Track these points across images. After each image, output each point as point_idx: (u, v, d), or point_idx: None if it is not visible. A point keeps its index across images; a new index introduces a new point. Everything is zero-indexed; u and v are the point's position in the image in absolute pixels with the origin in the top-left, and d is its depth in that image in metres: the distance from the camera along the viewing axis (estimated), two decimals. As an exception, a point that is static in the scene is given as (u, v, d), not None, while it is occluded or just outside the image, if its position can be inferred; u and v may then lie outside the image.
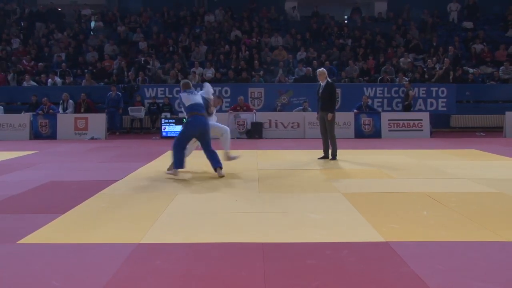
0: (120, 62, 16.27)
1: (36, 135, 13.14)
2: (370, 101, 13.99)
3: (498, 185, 5.89)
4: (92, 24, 20.20)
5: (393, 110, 14.50)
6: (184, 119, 7.08)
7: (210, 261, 3.29)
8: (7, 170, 7.27)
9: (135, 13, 19.89)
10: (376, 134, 12.98)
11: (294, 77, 15.86)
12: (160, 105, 14.44)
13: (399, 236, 3.84)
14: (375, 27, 18.46)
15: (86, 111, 14.05)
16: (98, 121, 13.07)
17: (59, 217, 4.45)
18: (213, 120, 7.07)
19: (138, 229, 4.06)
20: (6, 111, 14.15)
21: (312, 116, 13.14)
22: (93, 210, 4.78)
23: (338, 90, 12.78)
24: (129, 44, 17.99)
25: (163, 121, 13.00)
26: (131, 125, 14.77)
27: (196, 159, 7.26)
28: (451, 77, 15.13)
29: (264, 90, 14.95)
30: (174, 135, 12.79)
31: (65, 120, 13.21)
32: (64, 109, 14.13)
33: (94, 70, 16.27)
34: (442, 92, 14.76)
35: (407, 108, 14.16)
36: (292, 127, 13.21)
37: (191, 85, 7.16)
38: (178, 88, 14.83)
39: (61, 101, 14.24)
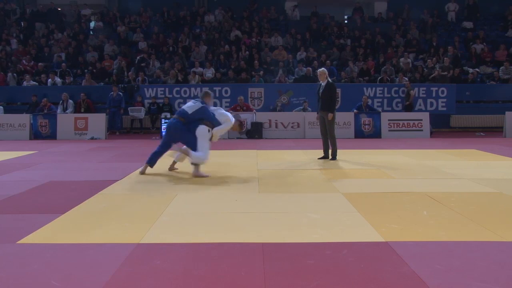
0: (120, 62, 16.28)
1: (36, 135, 13.15)
2: (370, 101, 14.00)
3: (498, 185, 5.89)
4: (92, 24, 20.20)
5: (393, 110, 14.51)
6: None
7: (210, 261, 3.29)
8: (7, 170, 7.27)
9: (135, 13, 19.90)
10: (376, 134, 12.99)
11: (294, 77, 15.86)
12: (160, 105, 14.44)
13: (399, 236, 3.84)
14: (375, 27, 18.47)
15: (86, 111, 14.06)
16: (98, 121, 13.07)
17: (59, 217, 4.45)
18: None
19: (138, 229, 4.06)
20: (6, 111, 14.16)
21: (312, 116, 13.15)
22: (93, 210, 4.78)
23: (338, 90, 12.79)
24: (129, 44, 18.01)
25: (163, 121, 13.00)
26: (131, 125, 14.78)
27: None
28: (449, 75, 15.13)
29: (264, 90, 14.96)
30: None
31: (65, 120, 13.21)
32: (64, 109, 14.14)
33: (94, 70, 16.28)
34: (442, 92, 14.77)
35: (408, 108, 14.17)
36: (292, 127, 13.22)
37: (206, 96, 6.90)
38: (178, 88, 14.88)
39: (60, 101, 14.25)
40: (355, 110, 13.08)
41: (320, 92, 8.20)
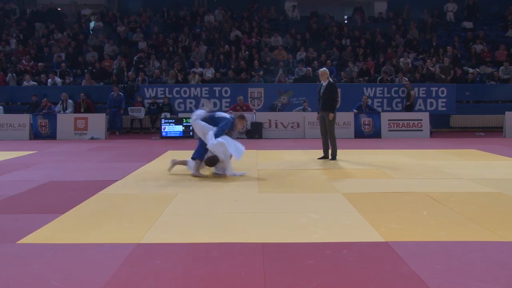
0: (120, 62, 16.28)
1: (36, 135, 13.15)
2: (370, 101, 14.00)
3: (498, 185, 5.89)
4: (92, 24, 20.20)
5: (393, 110, 14.52)
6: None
7: (210, 261, 3.29)
8: (7, 170, 7.27)
9: (135, 13, 19.90)
10: (376, 134, 12.99)
11: (294, 77, 15.86)
12: (160, 105, 14.45)
13: (399, 236, 3.84)
14: (375, 27, 18.47)
15: (85, 111, 14.07)
16: (98, 121, 13.07)
17: (59, 217, 4.45)
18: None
19: (138, 229, 4.06)
20: (6, 111, 14.16)
21: (312, 116, 13.15)
22: (93, 210, 4.78)
23: (338, 90, 12.78)
24: (129, 44, 18.01)
25: (163, 121, 13.01)
26: (131, 125, 14.78)
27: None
28: (450, 77, 15.14)
29: (264, 90, 14.96)
30: (174, 135, 12.86)
31: (65, 120, 13.21)
32: (64, 109, 14.14)
33: (94, 70, 16.28)
34: (442, 92, 14.77)
35: (408, 108, 14.17)
36: (292, 127, 13.22)
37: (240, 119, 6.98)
38: (178, 88, 14.89)
39: (60, 102, 14.26)
40: (355, 110, 13.09)
41: (321, 92, 8.19)
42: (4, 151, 9.79)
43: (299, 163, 7.92)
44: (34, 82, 15.62)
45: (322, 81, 8.23)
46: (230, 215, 4.53)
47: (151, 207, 4.84)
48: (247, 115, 13.15)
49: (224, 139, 6.51)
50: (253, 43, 17.59)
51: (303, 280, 2.96)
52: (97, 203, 5.09)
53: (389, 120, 13.15)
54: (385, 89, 14.86)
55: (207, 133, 6.52)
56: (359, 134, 12.96)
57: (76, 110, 14.28)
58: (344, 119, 12.74)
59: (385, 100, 14.82)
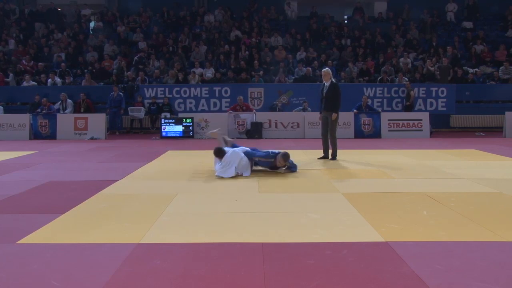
0: (120, 62, 16.28)
1: (36, 135, 13.15)
2: (370, 101, 14.00)
3: (498, 185, 5.89)
4: (92, 24, 20.21)
5: (392, 110, 14.52)
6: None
7: (209, 261, 3.29)
8: (7, 170, 7.27)
9: (135, 13, 19.90)
10: (376, 134, 12.99)
11: (294, 77, 15.86)
12: (160, 105, 14.45)
13: (399, 236, 3.84)
14: (375, 27, 18.47)
15: (85, 111, 14.07)
16: (97, 121, 13.07)
17: (59, 217, 4.45)
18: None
19: (138, 229, 4.06)
20: (6, 111, 14.16)
21: (312, 116, 13.16)
22: (93, 210, 4.78)
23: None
24: (129, 44, 18.01)
25: (163, 121, 13.01)
26: (131, 125, 14.78)
27: (196, 158, 7.25)
28: (450, 77, 15.14)
29: (264, 90, 14.96)
30: (174, 135, 12.87)
31: (65, 120, 13.22)
32: (64, 109, 14.14)
33: (94, 70, 16.28)
34: (442, 92, 14.78)
35: (408, 108, 14.17)
36: (292, 127, 13.22)
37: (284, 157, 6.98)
38: (178, 88, 14.89)
39: (59, 101, 14.26)
40: (355, 110, 13.09)
41: (324, 92, 8.18)
42: (4, 151, 9.79)
43: (299, 163, 7.90)
44: (34, 82, 15.61)
45: (324, 82, 8.21)
46: (230, 215, 4.53)
47: (151, 207, 4.84)
48: (247, 115, 13.25)
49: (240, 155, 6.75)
50: (253, 43, 17.59)
51: (303, 280, 2.96)
52: (97, 203, 5.09)
53: (389, 120, 13.15)
54: (385, 89, 14.86)
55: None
56: (359, 134, 12.97)
57: (76, 110, 14.28)
58: (344, 119, 12.73)
59: (385, 100, 14.82)
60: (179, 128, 12.92)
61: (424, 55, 16.90)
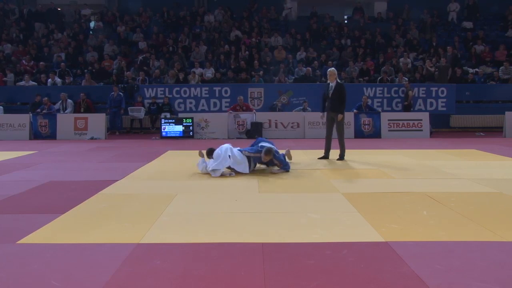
0: (120, 62, 16.28)
1: (36, 135, 13.15)
2: (370, 101, 14.00)
3: (498, 185, 5.89)
4: (92, 24, 20.21)
5: (393, 110, 14.52)
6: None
7: (209, 261, 3.29)
8: (7, 170, 7.27)
9: (135, 13, 19.90)
10: (376, 134, 12.99)
11: (294, 77, 15.86)
12: (160, 105, 14.45)
13: (399, 236, 3.84)
14: (375, 27, 18.47)
15: (85, 111, 14.07)
16: (97, 121, 13.07)
17: (59, 217, 4.45)
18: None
19: (138, 229, 4.06)
20: (6, 111, 14.16)
21: (312, 116, 13.16)
22: (93, 210, 4.78)
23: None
24: (129, 44, 18.01)
25: (162, 121, 13.01)
26: (131, 125, 14.78)
27: (196, 158, 7.25)
28: (449, 77, 15.15)
29: (264, 90, 14.96)
30: (174, 135, 12.87)
31: (65, 120, 13.22)
32: (64, 109, 14.14)
33: (94, 70, 16.28)
34: (442, 92, 14.77)
35: (407, 108, 14.18)
36: (292, 127, 13.22)
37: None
38: (178, 88, 14.90)
39: (60, 101, 14.26)
40: (355, 110, 13.08)
41: (330, 92, 8.14)
42: (4, 151, 9.79)
43: (299, 163, 7.92)
44: (33, 82, 15.61)
45: (330, 82, 8.17)
46: (230, 215, 4.53)
47: (151, 207, 4.84)
48: (247, 115, 13.25)
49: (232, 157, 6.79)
50: (253, 43, 17.59)
51: (303, 280, 2.96)
52: (97, 203, 5.09)
53: (389, 120, 13.15)
54: (385, 89, 14.86)
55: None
56: (359, 134, 12.97)
57: (76, 110, 14.28)
58: (344, 119, 12.72)
59: (385, 100, 14.82)
60: (179, 128, 12.92)
61: (424, 55, 16.90)
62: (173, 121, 12.99)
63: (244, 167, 6.83)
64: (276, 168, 7.07)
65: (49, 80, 15.57)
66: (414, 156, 8.70)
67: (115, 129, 14.15)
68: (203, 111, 14.52)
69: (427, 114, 13.46)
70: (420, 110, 14.39)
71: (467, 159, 8.38)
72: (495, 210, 4.68)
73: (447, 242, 3.69)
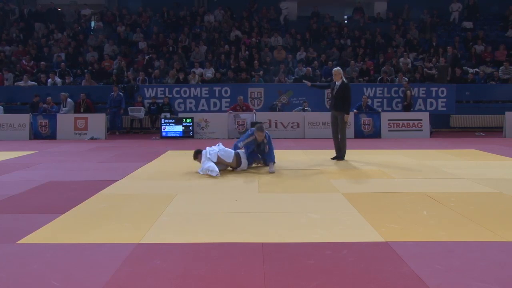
0: (120, 62, 16.28)
1: (36, 135, 13.15)
2: (370, 101, 14.00)
3: (498, 185, 5.89)
4: (92, 24, 20.21)
5: (393, 110, 14.52)
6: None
7: (209, 261, 3.29)
8: (7, 170, 7.27)
9: (135, 13, 19.89)
10: (376, 134, 12.99)
11: (294, 77, 15.86)
12: (160, 105, 14.45)
13: (399, 236, 3.84)
14: (375, 27, 18.47)
15: (85, 111, 14.07)
16: (97, 121, 13.07)
17: (59, 217, 4.45)
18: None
19: (138, 229, 4.06)
20: (6, 111, 14.16)
21: (312, 116, 13.16)
22: (93, 210, 4.78)
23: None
24: (129, 44, 18.01)
25: (163, 121, 13.01)
26: (131, 125, 14.78)
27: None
28: (448, 77, 15.14)
29: (264, 90, 14.96)
30: (174, 135, 12.87)
31: (65, 120, 13.21)
32: (64, 107, 14.15)
33: (94, 70, 16.28)
34: (442, 92, 14.78)
35: (407, 108, 14.18)
36: (292, 127, 13.22)
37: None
38: (178, 88, 14.90)
39: (61, 101, 14.28)
40: (355, 110, 13.08)
41: (334, 91, 8.17)
42: (4, 151, 9.79)
43: (299, 163, 7.92)
44: (33, 82, 15.61)
45: (335, 81, 8.18)
46: (230, 215, 4.53)
47: (151, 207, 4.84)
48: (247, 115, 13.25)
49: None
50: (253, 43, 17.59)
51: (303, 280, 2.96)
52: (97, 203, 5.09)
53: (389, 120, 13.15)
54: (385, 89, 14.86)
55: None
56: (359, 134, 12.97)
57: (76, 110, 14.28)
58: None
59: (385, 100, 14.83)
60: (179, 128, 12.92)
61: (424, 55, 16.90)
62: (173, 121, 12.99)
63: (229, 157, 6.96)
64: (271, 166, 7.18)
65: (49, 80, 15.57)
66: (414, 156, 8.70)
67: (115, 129, 14.15)
68: (203, 111, 14.53)
69: (427, 114, 13.46)
70: (420, 110, 14.39)
71: (467, 159, 8.38)
72: (495, 210, 4.68)
73: (447, 242, 3.69)
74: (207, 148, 7.02)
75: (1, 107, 14.19)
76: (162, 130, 12.93)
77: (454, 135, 13.61)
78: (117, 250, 3.52)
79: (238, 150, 7.20)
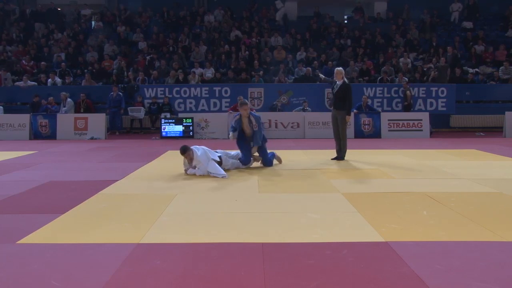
0: (119, 62, 16.28)
1: (36, 135, 13.16)
2: (370, 101, 14.00)
3: (498, 185, 5.89)
4: (92, 24, 20.22)
5: (393, 110, 14.52)
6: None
7: (210, 261, 3.29)
8: (7, 170, 7.27)
9: (135, 13, 19.90)
10: (376, 134, 12.99)
11: (294, 77, 15.86)
12: (160, 105, 14.45)
13: (399, 236, 3.83)
14: (375, 27, 18.47)
15: (85, 111, 14.07)
16: (97, 121, 13.08)
17: (59, 217, 4.45)
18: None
19: (138, 229, 4.06)
20: (6, 111, 14.16)
21: (312, 116, 13.16)
22: (93, 210, 4.78)
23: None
24: (129, 44, 18.01)
25: (163, 121, 13.01)
26: (131, 125, 14.78)
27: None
28: (448, 77, 15.14)
29: (264, 90, 14.96)
30: (174, 135, 12.87)
31: (65, 120, 13.22)
32: (63, 106, 14.16)
33: (94, 70, 16.28)
34: (442, 92, 14.78)
35: (407, 108, 14.18)
36: (292, 127, 13.22)
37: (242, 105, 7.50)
38: (178, 88, 14.90)
39: (62, 101, 14.28)
40: (355, 110, 13.08)
41: (335, 91, 8.19)
42: (4, 151, 9.79)
43: (299, 163, 7.92)
44: (33, 82, 15.61)
45: (337, 80, 8.21)
46: (230, 215, 4.53)
47: (151, 207, 4.84)
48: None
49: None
50: (253, 43, 17.59)
51: (303, 280, 2.95)
52: (97, 203, 5.09)
53: (389, 120, 13.16)
54: (385, 89, 14.86)
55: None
56: (359, 134, 12.97)
57: (76, 110, 14.28)
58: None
59: (385, 100, 14.83)
60: (179, 128, 12.92)
61: (424, 55, 16.90)
62: (173, 121, 12.99)
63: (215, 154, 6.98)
64: (256, 154, 7.43)
65: (49, 80, 15.57)
66: (414, 156, 8.70)
67: (115, 129, 14.15)
68: (203, 111, 14.53)
69: (427, 114, 13.46)
70: (420, 110, 14.39)
71: (467, 159, 8.38)
72: (495, 210, 4.68)
73: (447, 242, 3.69)
74: (200, 147, 6.91)
75: (1, 107, 14.19)
76: (162, 130, 12.93)
77: (454, 135, 13.61)
78: (117, 250, 3.52)
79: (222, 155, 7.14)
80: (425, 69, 15.66)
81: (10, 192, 5.58)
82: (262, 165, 7.56)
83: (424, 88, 14.81)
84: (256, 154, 7.58)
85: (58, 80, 15.65)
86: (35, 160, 8.45)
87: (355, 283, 2.91)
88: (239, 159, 7.30)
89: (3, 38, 18.21)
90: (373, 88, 14.84)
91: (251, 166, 7.44)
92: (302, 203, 5.01)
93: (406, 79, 14.94)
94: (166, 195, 5.39)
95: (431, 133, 13.21)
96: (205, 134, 13.05)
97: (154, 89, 14.94)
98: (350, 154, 8.78)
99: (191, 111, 14.59)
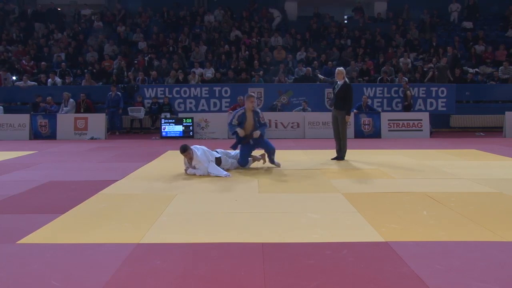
0: (120, 62, 16.28)
1: (36, 135, 13.16)
2: (370, 101, 14.00)
3: (498, 185, 5.89)
4: (94, 21, 20.23)
5: (393, 110, 14.52)
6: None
7: (209, 261, 3.29)
8: (7, 170, 7.27)
9: (135, 13, 19.89)
10: (376, 134, 12.99)
11: (294, 77, 15.86)
12: (160, 104, 14.44)
13: (399, 236, 3.83)
14: (375, 27, 18.47)
15: (85, 111, 14.07)
16: (97, 121, 13.08)
17: (58, 217, 4.45)
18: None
19: (138, 229, 4.06)
20: (6, 111, 14.16)
21: (312, 116, 13.16)
22: (93, 210, 4.78)
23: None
24: (129, 44, 18.01)
25: (163, 121, 13.01)
26: (131, 125, 14.78)
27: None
28: (447, 78, 15.14)
29: (264, 90, 14.96)
30: (174, 135, 12.87)
31: (65, 120, 13.22)
32: (65, 106, 14.16)
33: (94, 70, 16.28)
34: (442, 92, 14.77)
35: (407, 108, 14.18)
36: (292, 127, 13.22)
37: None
38: (178, 88, 14.90)
39: (62, 101, 14.28)
40: (355, 110, 13.08)
41: (336, 90, 8.20)
42: (4, 151, 9.79)
43: (299, 163, 7.92)
44: (33, 82, 15.61)
45: (337, 80, 8.21)
46: (230, 215, 4.53)
47: (151, 207, 4.84)
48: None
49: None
50: (253, 43, 17.59)
51: (303, 280, 2.96)
52: (97, 203, 5.09)
53: (389, 120, 13.16)
54: (385, 89, 14.86)
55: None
56: (359, 134, 12.97)
57: (76, 110, 14.28)
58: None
59: (385, 100, 14.82)
60: (179, 128, 12.92)
61: (424, 55, 16.89)
62: (173, 121, 12.99)
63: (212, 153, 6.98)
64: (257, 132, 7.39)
65: (49, 80, 15.57)
66: (414, 156, 8.70)
67: (114, 129, 14.15)
68: (203, 111, 14.52)
69: (427, 114, 13.46)
70: (420, 110, 14.39)
71: (467, 159, 8.38)
72: (495, 210, 4.68)
73: (447, 242, 3.69)
74: (200, 147, 6.91)
75: (1, 107, 14.19)
76: (162, 130, 12.93)
77: (454, 135, 13.61)
78: (117, 250, 3.52)
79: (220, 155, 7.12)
80: (425, 69, 15.66)
81: (10, 192, 5.58)
82: (263, 161, 7.53)
83: (424, 88, 14.81)
84: (256, 154, 7.57)
85: (58, 80, 15.65)
86: (35, 160, 8.46)
87: (355, 283, 2.91)
88: (238, 161, 7.29)
89: (3, 38, 18.21)
90: (373, 88, 14.84)
91: (250, 166, 7.43)
92: (302, 203, 5.02)
93: (406, 79, 14.93)
94: (166, 195, 5.39)
95: (431, 133, 13.22)
96: (205, 134, 13.05)
97: (154, 89, 14.94)
98: (350, 154, 8.78)
99: (191, 111, 14.59)
